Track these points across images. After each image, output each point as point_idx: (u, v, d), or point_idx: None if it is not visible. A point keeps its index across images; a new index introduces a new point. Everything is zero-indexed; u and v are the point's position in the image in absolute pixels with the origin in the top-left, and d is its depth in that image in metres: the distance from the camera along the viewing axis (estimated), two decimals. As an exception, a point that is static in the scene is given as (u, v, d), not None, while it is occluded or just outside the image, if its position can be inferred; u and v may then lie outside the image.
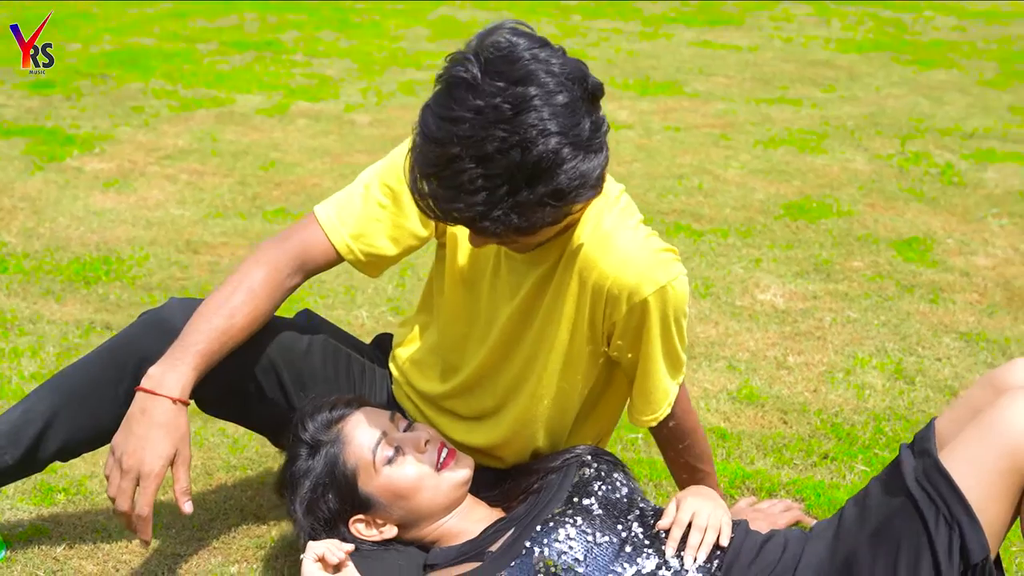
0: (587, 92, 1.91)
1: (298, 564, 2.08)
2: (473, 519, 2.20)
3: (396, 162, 2.22)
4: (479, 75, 1.85)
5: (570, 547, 2.04)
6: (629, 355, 2.15)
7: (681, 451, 2.35)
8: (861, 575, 1.93)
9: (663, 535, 2.10)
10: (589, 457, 2.27)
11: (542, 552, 2.03)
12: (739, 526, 2.15)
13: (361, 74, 7.51)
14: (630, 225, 2.11)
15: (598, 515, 2.12)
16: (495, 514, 2.23)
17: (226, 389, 2.28)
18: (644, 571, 2.04)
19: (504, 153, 1.83)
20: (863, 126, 6.31)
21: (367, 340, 2.67)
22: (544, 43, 1.91)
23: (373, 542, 2.18)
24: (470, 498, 2.24)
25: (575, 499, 2.15)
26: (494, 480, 2.33)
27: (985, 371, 3.40)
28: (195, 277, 4.04)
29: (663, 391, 2.19)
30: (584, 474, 2.22)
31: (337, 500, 2.16)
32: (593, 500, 2.15)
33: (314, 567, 2.00)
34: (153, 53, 8.00)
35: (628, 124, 6.26)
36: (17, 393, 3.11)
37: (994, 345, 3.59)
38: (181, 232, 4.47)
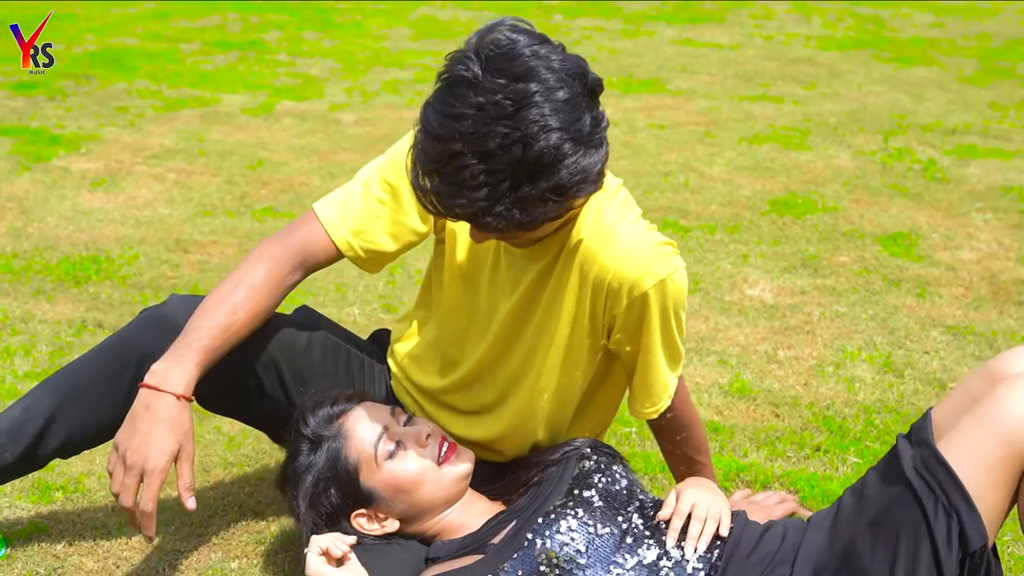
0: (587, 88, 1.92)
1: (299, 559, 2.11)
2: (474, 512, 2.22)
3: (395, 159, 2.24)
4: (480, 72, 1.86)
5: (572, 539, 2.06)
6: (628, 348, 2.17)
7: (679, 443, 2.37)
8: (861, 563, 1.96)
9: (663, 526, 2.13)
10: (588, 450, 2.29)
11: (544, 544, 2.05)
12: (738, 516, 2.17)
13: (345, 73, 7.52)
14: (630, 219, 2.13)
15: (599, 507, 2.14)
16: (496, 507, 2.25)
17: (227, 385, 2.29)
18: (645, 561, 2.06)
19: (506, 149, 1.84)
20: (845, 123, 6.35)
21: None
22: (544, 39, 1.93)
23: (375, 536, 2.20)
24: (470, 491, 2.26)
25: (576, 491, 2.17)
26: (493, 474, 2.35)
27: (973, 364, 3.44)
28: (186, 276, 4.04)
29: (663, 383, 2.21)
30: (584, 466, 2.24)
31: (339, 495, 2.18)
32: (593, 492, 2.17)
33: (318, 560, 2.02)
34: (136, 53, 7.99)
35: (613, 122, 6.12)
36: (11, 392, 3.11)
37: (981, 338, 3.63)
38: (170, 231, 4.47)
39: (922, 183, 5.24)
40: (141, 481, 2.06)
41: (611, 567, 2.04)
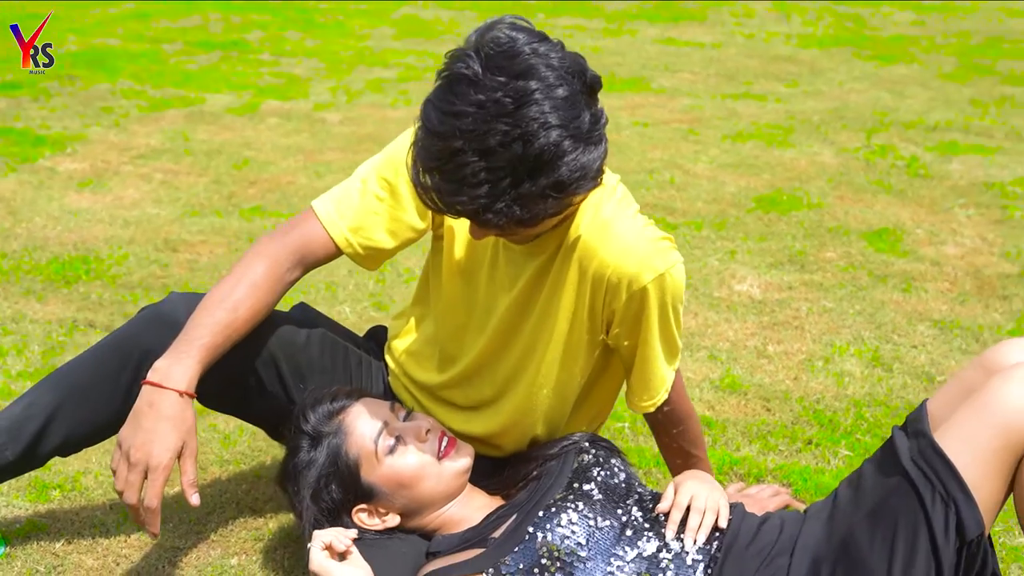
0: (586, 85, 1.94)
1: (299, 555, 2.12)
2: (474, 507, 2.24)
3: (393, 156, 2.25)
4: (480, 70, 1.88)
5: (572, 531, 2.08)
6: (627, 342, 2.19)
7: (676, 436, 2.39)
8: (859, 553, 1.98)
9: (662, 518, 2.15)
10: (587, 444, 2.31)
11: (545, 537, 2.07)
12: (736, 508, 2.19)
13: (329, 73, 7.52)
14: (628, 214, 2.15)
15: (598, 500, 2.16)
16: (495, 502, 2.27)
17: (227, 382, 2.30)
18: (645, 554, 2.08)
19: (506, 146, 1.86)
20: (828, 120, 6.39)
21: (353, 335, 2.70)
22: (543, 37, 1.94)
23: (376, 531, 2.21)
24: (470, 486, 2.27)
25: (575, 485, 2.19)
26: (492, 468, 2.37)
27: (960, 358, 3.47)
28: (175, 275, 4.05)
29: (660, 377, 2.24)
30: (583, 460, 2.26)
31: (340, 490, 2.19)
32: (593, 485, 2.19)
33: (322, 555, 2.03)
34: (119, 53, 7.98)
35: (597, 120, 6.29)
36: (5, 392, 3.12)
37: (967, 332, 3.67)
38: (159, 231, 4.47)
39: (905, 179, 5.28)
40: (145, 478, 2.07)
41: (611, 559, 2.06)
